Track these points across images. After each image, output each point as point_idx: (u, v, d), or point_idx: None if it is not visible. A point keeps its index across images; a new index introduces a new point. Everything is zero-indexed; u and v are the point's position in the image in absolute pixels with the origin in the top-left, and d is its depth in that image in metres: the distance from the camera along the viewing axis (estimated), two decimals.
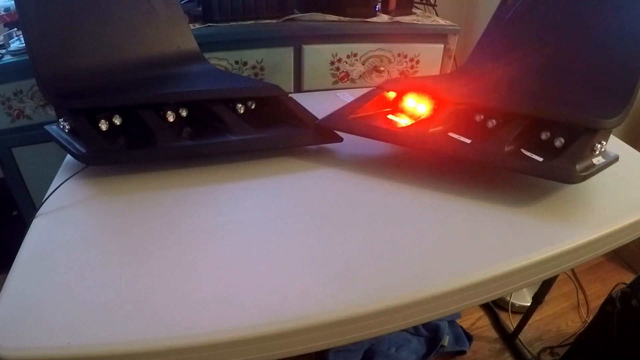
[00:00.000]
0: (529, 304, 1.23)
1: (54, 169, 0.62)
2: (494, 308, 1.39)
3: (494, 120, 0.63)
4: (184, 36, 0.80)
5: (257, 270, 0.45)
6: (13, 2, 0.82)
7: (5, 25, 1.13)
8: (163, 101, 0.65)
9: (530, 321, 1.26)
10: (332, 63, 1.25)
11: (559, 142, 0.58)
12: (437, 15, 1.46)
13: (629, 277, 1.47)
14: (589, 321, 1.30)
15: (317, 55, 1.23)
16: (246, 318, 0.39)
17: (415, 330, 1.27)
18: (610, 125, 0.56)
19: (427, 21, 1.32)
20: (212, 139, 0.64)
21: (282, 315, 0.40)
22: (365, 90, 0.72)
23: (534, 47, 0.73)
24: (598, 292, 1.44)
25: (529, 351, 1.25)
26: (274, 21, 1.20)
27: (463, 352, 1.25)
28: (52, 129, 0.65)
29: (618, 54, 0.64)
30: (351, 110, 0.69)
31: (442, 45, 1.33)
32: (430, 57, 1.34)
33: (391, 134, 0.64)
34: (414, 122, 0.66)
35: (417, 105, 0.69)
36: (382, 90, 0.70)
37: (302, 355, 0.42)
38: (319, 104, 0.74)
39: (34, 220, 0.51)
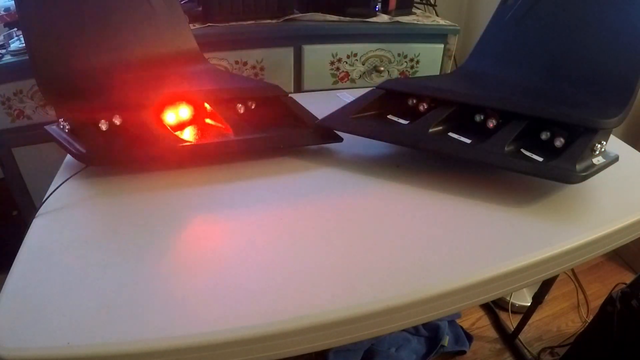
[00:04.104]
0: (529, 304, 1.23)
1: (54, 169, 0.62)
2: (494, 308, 1.39)
3: (494, 120, 0.63)
4: (184, 36, 0.80)
5: (257, 270, 0.45)
6: (13, 2, 0.82)
7: (5, 25, 1.13)
8: (163, 101, 0.65)
9: (530, 321, 1.26)
10: (332, 63, 1.25)
11: (559, 142, 0.58)
12: (437, 15, 1.46)
13: (629, 277, 1.47)
14: (589, 321, 1.30)
15: (317, 55, 1.23)
16: (246, 318, 0.39)
17: (415, 330, 1.27)
18: (610, 125, 0.57)
19: (427, 21, 1.32)
20: (212, 139, 0.64)
21: (282, 315, 0.40)
22: (365, 90, 0.72)
23: (533, 47, 0.73)
24: (598, 292, 1.44)
25: (529, 351, 1.25)
26: (273, 21, 1.20)
27: (463, 352, 1.25)
28: (52, 129, 0.65)
29: (618, 54, 0.64)
30: (351, 110, 0.69)
31: (442, 45, 1.33)
32: (430, 57, 1.34)
33: (391, 134, 0.64)
34: (412, 122, 0.66)
35: (418, 105, 0.69)
36: (382, 90, 0.70)
37: (302, 355, 0.42)
38: (319, 104, 0.73)
39: (34, 220, 0.51)
